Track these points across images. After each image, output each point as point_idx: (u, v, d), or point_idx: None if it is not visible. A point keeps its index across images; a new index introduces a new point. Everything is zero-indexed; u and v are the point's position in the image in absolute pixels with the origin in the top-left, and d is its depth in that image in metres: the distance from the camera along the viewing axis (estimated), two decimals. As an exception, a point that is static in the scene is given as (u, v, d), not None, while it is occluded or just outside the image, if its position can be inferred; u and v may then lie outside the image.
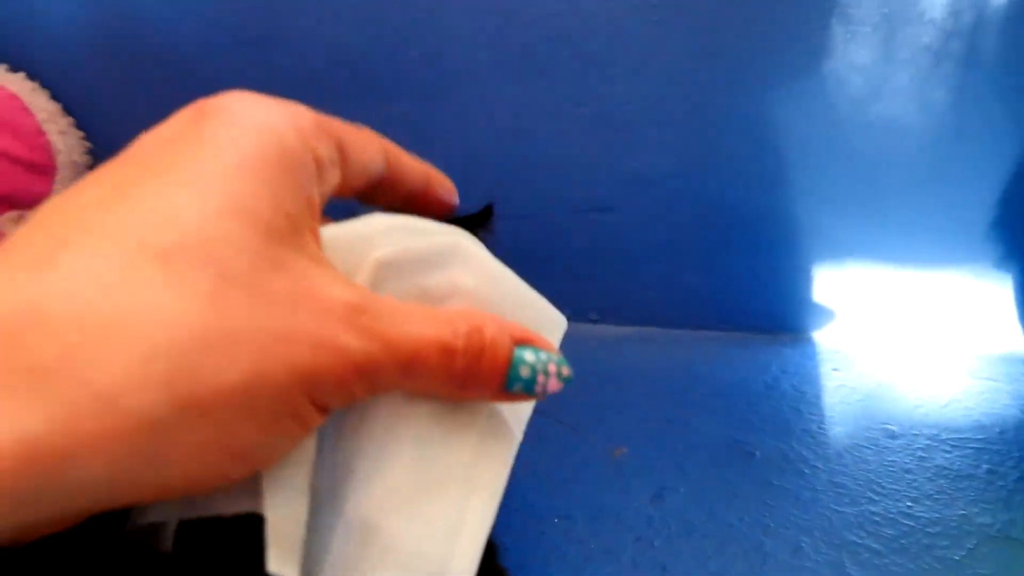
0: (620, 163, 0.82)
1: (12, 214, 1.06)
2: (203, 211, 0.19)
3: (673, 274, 0.85)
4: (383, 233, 0.26)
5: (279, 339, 0.19)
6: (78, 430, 0.16)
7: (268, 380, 0.19)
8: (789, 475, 0.61)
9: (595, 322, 0.91)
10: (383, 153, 0.29)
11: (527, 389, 0.25)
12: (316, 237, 0.23)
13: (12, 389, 0.15)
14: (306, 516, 0.24)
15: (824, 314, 0.83)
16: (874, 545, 0.53)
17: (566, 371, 0.27)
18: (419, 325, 0.22)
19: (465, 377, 0.24)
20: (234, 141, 0.20)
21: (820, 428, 0.67)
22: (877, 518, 0.56)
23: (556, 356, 0.27)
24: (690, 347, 0.84)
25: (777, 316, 0.84)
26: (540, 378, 0.26)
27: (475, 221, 0.37)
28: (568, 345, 0.86)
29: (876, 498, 0.58)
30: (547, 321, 0.32)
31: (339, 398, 0.22)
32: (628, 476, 0.62)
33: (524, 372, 0.25)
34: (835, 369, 0.77)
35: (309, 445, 0.25)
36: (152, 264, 0.18)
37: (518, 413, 0.30)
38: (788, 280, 0.83)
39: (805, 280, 0.82)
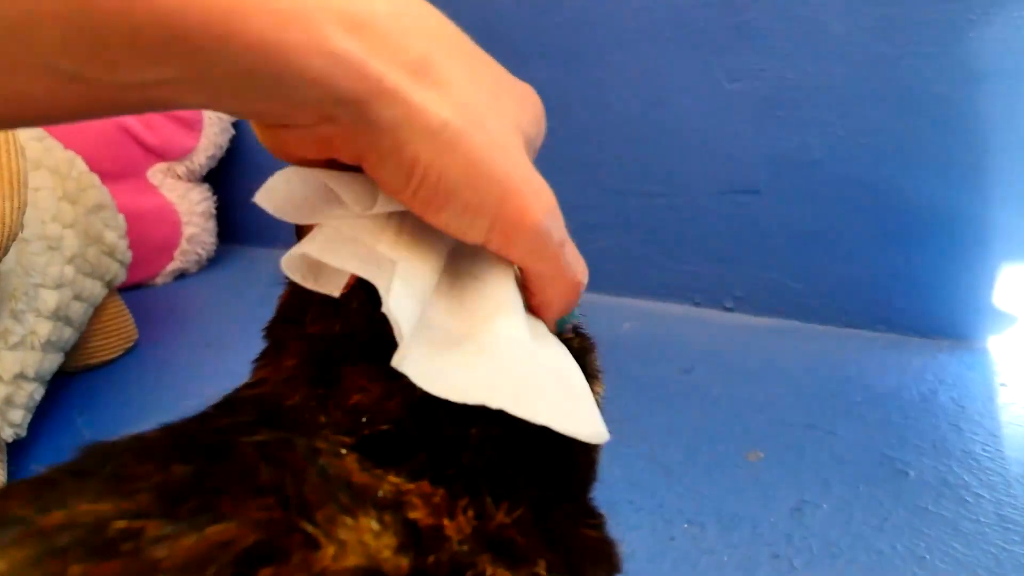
0: (771, 143, 0.76)
1: (161, 165, 1.12)
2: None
3: (822, 264, 0.79)
4: None
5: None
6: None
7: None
8: (948, 502, 0.55)
9: (730, 310, 0.86)
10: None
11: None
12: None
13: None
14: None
15: (994, 320, 0.75)
16: (1051, 594, 0.47)
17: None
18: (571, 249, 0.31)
19: (558, 292, 0.31)
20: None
21: (985, 451, 0.61)
22: (1054, 562, 0.49)
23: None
24: (836, 346, 0.78)
25: (937, 318, 0.77)
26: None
27: None
28: (700, 333, 0.83)
29: (1054, 539, 0.51)
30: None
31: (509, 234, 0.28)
32: (765, 484, 0.58)
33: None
34: (1003, 384, 0.70)
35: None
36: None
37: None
38: (953, 279, 0.75)
39: (974, 281, 0.74)
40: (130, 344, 0.91)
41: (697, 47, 0.75)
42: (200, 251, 1.16)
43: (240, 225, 1.21)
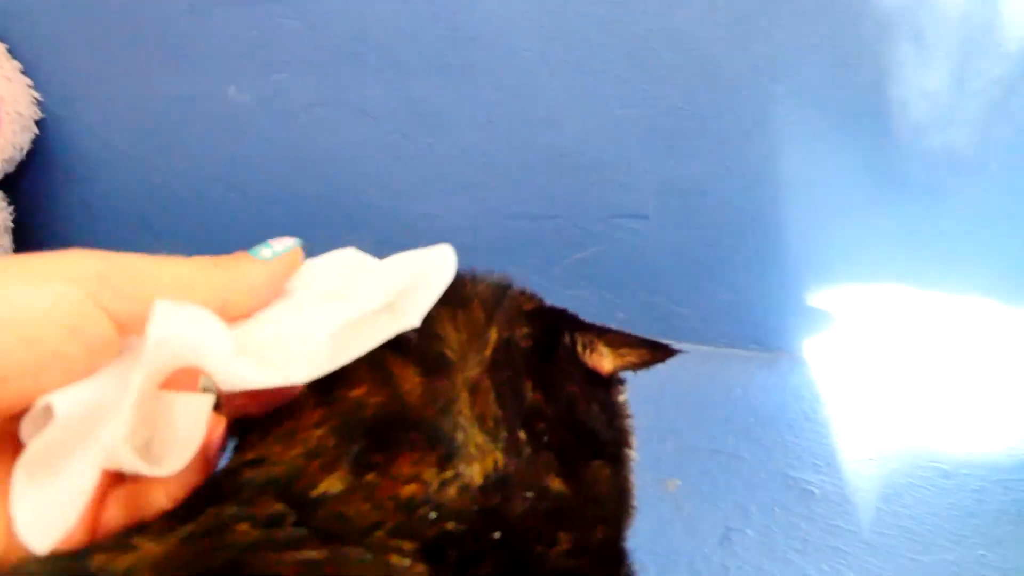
0: (661, 169, 0.77)
1: (-56, 168, 0.92)
2: None
3: (702, 287, 0.81)
4: None
5: None
6: None
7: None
8: (854, 517, 0.58)
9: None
10: None
11: None
12: None
13: None
14: None
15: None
16: (960, 601, 0.51)
17: None
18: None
19: None
20: None
21: (872, 461, 0.65)
22: (955, 568, 0.53)
23: None
24: (718, 366, 0.80)
25: (803, 335, 0.82)
26: None
27: None
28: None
29: (949, 545, 0.56)
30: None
31: None
32: (690, 515, 0.58)
33: None
34: (870, 394, 0.75)
35: None
36: None
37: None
38: (813, 298, 0.80)
39: (838, 302, 0.80)
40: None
41: (590, 70, 0.75)
42: (-8, 271, 0.97)
43: (44, 239, 1.03)
